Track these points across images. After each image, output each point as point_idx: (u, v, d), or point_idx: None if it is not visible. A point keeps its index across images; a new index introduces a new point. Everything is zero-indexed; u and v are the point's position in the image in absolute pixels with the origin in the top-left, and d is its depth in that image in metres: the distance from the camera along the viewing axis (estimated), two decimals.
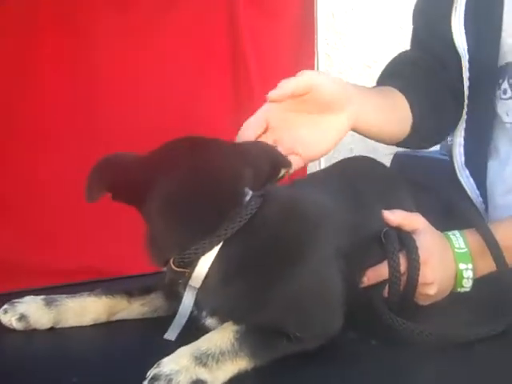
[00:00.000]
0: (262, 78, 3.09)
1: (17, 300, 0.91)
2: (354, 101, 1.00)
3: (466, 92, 1.14)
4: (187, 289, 0.78)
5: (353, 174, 1.01)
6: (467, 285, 0.95)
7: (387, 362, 0.83)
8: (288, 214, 0.80)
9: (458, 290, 0.96)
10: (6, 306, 0.91)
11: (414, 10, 1.33)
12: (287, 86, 0.98)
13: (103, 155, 0.80)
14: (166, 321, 0.89)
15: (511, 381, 0.81)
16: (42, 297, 0.92)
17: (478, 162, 1.16)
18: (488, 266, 0.95)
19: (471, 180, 1.17)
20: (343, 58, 3.70)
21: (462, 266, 0.94)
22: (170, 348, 0.74)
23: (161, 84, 2.89)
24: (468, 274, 0.95)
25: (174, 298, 0.90)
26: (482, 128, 1.15)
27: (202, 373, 0.71)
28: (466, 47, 1.13)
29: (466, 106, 1.15)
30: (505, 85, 1.12)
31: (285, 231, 0.78)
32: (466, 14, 1.13)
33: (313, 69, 3.38)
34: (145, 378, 0.70)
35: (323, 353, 0.79)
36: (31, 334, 0.88)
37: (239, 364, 0.74)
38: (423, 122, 1.15)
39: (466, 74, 1.14)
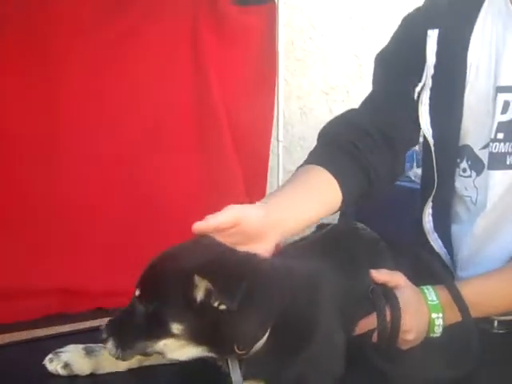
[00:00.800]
0: (225, 106, 3.25)
1: (60, 350, 1.05)
2: (277, 225, 1.07)
3: (435, 169, 1.30)
4: (232, 362, 0.93)
5: (343, 240, 1.19)
6: (438, 331, 1.13)
7: None
8: (300, 293, 0.97)
9: (431, 335, 1.14)
10: (51, 356, 1.04)
11: (378, 60, 1.40)
12: (213, 220, 1.00)
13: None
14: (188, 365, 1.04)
15: None
16: (83, 346, 1.05)
17: (444, 228, 1.34)
18: (455, 316, 1.13)
19: (439, 242, 1.35)
20: (302, 84, 3.89)
21: (433, 315, 1.12)
22: None
23: (125, 110, 2.98)
24: (439, 322, 1.12)
25: None
26: (445, 199, 1.33)
27: None
28: (431, 131, 1.28)
29: (435, 180, 1.31)
30: (464, 164, 1.30)
31: (300, 308, 0.96)
32: (430, 99, 1.28)
33: (274, 95, 3.57)
34: None
35: None
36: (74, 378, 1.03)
37: None
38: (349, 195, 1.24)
39: (434, 156, 1.29)
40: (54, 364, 1.03)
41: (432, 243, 1.35)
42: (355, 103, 4.09)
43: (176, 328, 0.90)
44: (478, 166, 1.29)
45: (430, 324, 1.12)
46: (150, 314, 0.91)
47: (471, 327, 1.12)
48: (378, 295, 1.07)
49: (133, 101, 2.99)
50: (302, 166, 1.28)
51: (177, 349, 0.92)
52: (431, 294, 1.14)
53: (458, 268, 1.33)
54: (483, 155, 1.27)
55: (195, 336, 0.90)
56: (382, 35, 3.80)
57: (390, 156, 1.31)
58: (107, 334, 0.92)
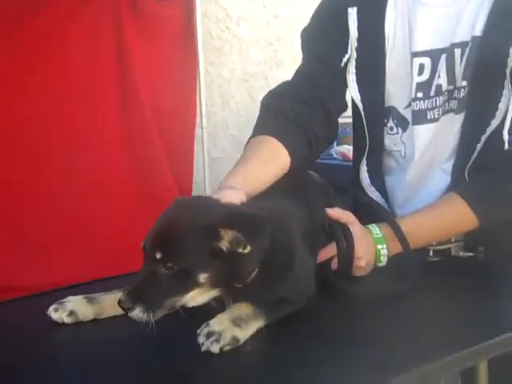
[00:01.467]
0: (150, 97, 3.32)
1: (62, 300, 1.14)
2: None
3: (366, 130, 1.48)
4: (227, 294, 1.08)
5: (299, 184, 1.35)
6: (384, 260, 1.30)
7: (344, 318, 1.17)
8: (279, 228, 1.11)
9: (378, 264, 1.30)
10: (55, 306, 1.12)
11: (305, 36, 1.54)
12: None
13: None
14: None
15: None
16: (82, 296, 1.15)
17: (378, 181, 1.53)
18: (397, 248, 1.31)
19: (377, 193, 1.54)
20: (222, 72, 4.02)
21: (379, 246, 1.29)
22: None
23: (48, 105, 3.00)
24: (384, 252, 1.29)
25: None
26: (377, 156, 1.52)
27: (237, 331, 1.01)
28: (359, 97, 1.46)
29: (367, 140, 1.49)
30: (390, 123, 1.48)
31: (280, 240, 1.10)
32: (356, 69, 1.46)
33: (196, 84, 3.68)
34: (198, 334, 0.99)
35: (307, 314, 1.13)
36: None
37: (258, 323, 1.05)
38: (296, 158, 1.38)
39: (364, 119, 1.47)
40: (58, 313, 1.12)
41: (370, 195, 1.54)
42: None
43: (203, 278, 1.01)
44: (403, 124, 1.48)
45: (377, 254, 1.29)
46: (176, 272, 0.99)
47: (409, 253, 1.30)
48: (336, 227, 1.24)
49: (57, 98, 3.03)
50: (252, 136, 1.41)
51: (199, 296, 1.03)
52: (375, 229, 1.31)
53: (395, 212, 1.53)
54: (407, 113, 1.46)
55: (216, 281, 1.02)
56: (294, 22, 4.01)
57: (326, 120, 1.46)
58: (131, 303, 0.98)
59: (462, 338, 1.04)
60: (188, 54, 3.68)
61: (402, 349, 1.00)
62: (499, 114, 1.34)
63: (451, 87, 1.40)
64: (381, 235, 1.31)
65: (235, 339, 1.00)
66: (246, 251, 1.01)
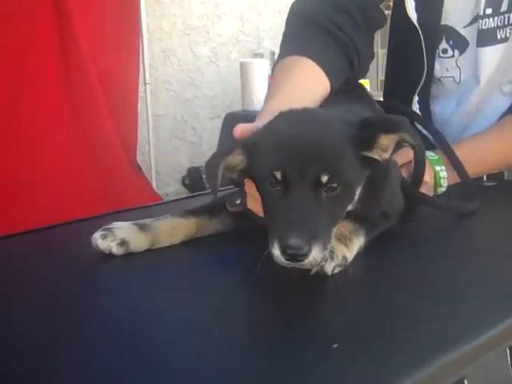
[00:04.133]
0: (92, 54, 3.09)
1: (110, 226, 0.92)
2: None
3: (425, 54, 1.32)
4: None
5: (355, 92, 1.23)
6: (444, 184, 1.18)
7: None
8: None
9: (438, 189, 1.19)
10: (103, 232, 0.91)
11: None
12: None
13: None
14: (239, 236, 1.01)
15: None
16: (132, 222, 0.94)
17: (426, 111, 1.38)
18: (455, 176, 1.19)
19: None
20: (162, 25, 3.79)
21: (437, 167, 1.18)
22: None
23: None
24: (443, 174, 1.18)
25: (240, 217, 1.01)
26: (428, 84, 1.36)
27: (345, 250, 0.86)
28: (415, 16, 1.28)
29: (425, 66, 1.33)
30: (443, 45, 1.33)
31: None
32: None
33: (138, 37, 3.44)
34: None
35: None
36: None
37: (360, 240, 0.90)
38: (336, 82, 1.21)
39: (422, 41, 1.30)
40: (107, 241, 0.91)
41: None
42: (216, 43, 4.13)
43: (358, 192, 0.88)
44: (461, 45, 1.32)
45: (436, 177, 1.17)
46: (338, 192, 0.83)
47: (468, 180, 1.19)
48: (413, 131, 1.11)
49: None
50: (281, 57, 1.21)
51: None
52: (430, 152, 1.20)
53: None
54: (467, 33, 1.31)
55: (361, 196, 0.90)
56: None
57: (368, 36, 1.28)
58: (308, 244, 0.77)
59: None
60: (130, 4, 3.46)
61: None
62: None
63: None
64: (437, 157, 1.19)
65: (345, 258, 0.86)
66: (386, 157, 0.88)
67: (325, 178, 0.81)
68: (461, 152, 1.20)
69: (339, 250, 0.84)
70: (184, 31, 3.86)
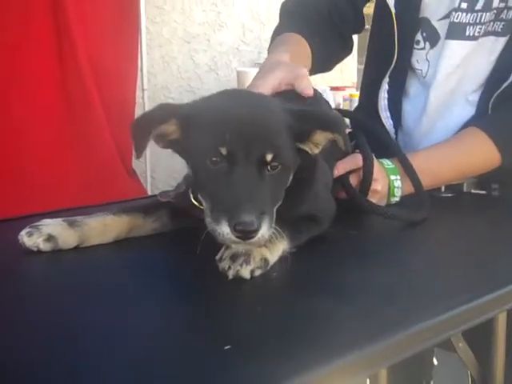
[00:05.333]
0: (89, 56, 3.09)
1: (38, 223, 0.91)
2: None
3: (396, 43, 1.32)
4: None
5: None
6: (398, 194, 1.17)
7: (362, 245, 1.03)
8: None
9: (391, 199, 1.17)
10: (29, 229, 0.90)
11: None
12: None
13: None
14: (174, 236, 0.99)
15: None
16: (63, 218, 0.93)
17: (396, 105, 1.38)
18: (409, 187, 1.18)
19: (391, 121, 1.39)
20: (162, 32, 3.79)
21: (392, 177, 1.16)
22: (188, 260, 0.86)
23: None
24: (398, 184, 1.16)
25: (178, 216, 1.00)
26: (401, 74, 1.36)
27: (266, 252, 0.84)
28: (393, 1, 1.30)
29: (395, 55, 1.33)
30: (418, 36, 1.33)
31: None
32: None
33: (137, 42, 3.45)
34: (220, 259, 0.81)
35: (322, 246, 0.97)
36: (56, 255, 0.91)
37: (283, 243, 0.88)
38: (319, 64, 1.32)
39: (395, 27, 1.31)
40: (33, 238, 0.90)
41: (384, 121, 1.38)
42: (217, 52, 4.10)
43: (291, 178, 0.89)
44: (433, 38, 1.32)
45: (390, 187, 1.16)
46: (278, 172, 0.84)
47: (421, 191, 1.17)
48: (362, 140, 1.11)
49: None
50: (283, 31, 1.30)
51: None
52: (386, 161, 1.19)
53: (404, 142, 1.38)
54: (440, 26, 1.30)
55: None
56: None
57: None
58: (258, 219, 0.77)
59: (477, 285, 0.84)
60: (129, 9, 3.46)
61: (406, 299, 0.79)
62: None
63: (502, 5, 1.25)
64: (393, 166, 1.17)
65: (265, 260, 0.83)
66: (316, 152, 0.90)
67: (269, 157, 0.82)
68: (417, 163, 1.19)
69: (257, 252, 0.82)
70: (184, 38, 3.87)
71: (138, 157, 0.86)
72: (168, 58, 3.85)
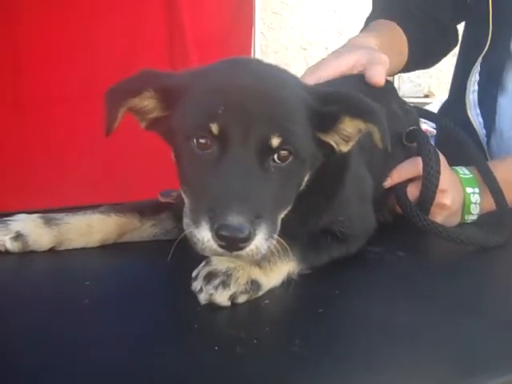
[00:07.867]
0: (198, 57, 3.03)
1: (9, 218, 0.76)
2: None
3: (491, 22, 1.10)
4: None
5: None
6: (475, 211, 0.92)
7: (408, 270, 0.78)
8: None
9: (466, 216, 0.93)
10: None
11: None
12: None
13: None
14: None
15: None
16: (39, 215, 0.77)
17: (488, 100, 1.14)
18: (490, 203, 0.93)
19: (480, 119, 1.14)
20: (279, 38, 3.67)
21: (468, 189, 0.92)
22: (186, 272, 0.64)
23: (93, 49, 2.76)
24: (475, 199, 0.92)
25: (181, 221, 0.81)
26: (496, 67, 1.13)
27: (257, 273, 0.63)
28: None
29: (489, 37, 1.10)
30: None
31: None
32: None
33: (250, 47, 3.36)
34: (194, 278, 0.61)
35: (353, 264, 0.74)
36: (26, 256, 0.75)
37: (289, 264, 0.67)
38: (416, 53, 1.13)
39: (490, 3, 1.10)
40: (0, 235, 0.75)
41: (472, 120, 1.13)
42: None
43: (306, 180, 0.68)
44: None
45: (466, 201, 0.91)
46: (289, 164, 0.62)
47: (504, 206, 0.91)
48: (425, 140, 0.86)
49: (107, 42, 2.80)
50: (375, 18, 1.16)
51: None
52: (463, 169, 0.95)
53: (495, 148, 1.12)
54: None
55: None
56: None
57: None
58: (251, 225, 0.56)
59: None
60: (244, 13, 3.36)
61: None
62: None
63: None
64: (471, 176, 0.92)
65: (255, 284, 0.62)
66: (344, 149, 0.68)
67: (276, 142, 0.60)
68: (502, 173, 0.95)
69: (243, 272, 0.61)
70: (301, 45, 3.71)
71: (107, 134, 0.66)
72: (283, 65, 3.68)
